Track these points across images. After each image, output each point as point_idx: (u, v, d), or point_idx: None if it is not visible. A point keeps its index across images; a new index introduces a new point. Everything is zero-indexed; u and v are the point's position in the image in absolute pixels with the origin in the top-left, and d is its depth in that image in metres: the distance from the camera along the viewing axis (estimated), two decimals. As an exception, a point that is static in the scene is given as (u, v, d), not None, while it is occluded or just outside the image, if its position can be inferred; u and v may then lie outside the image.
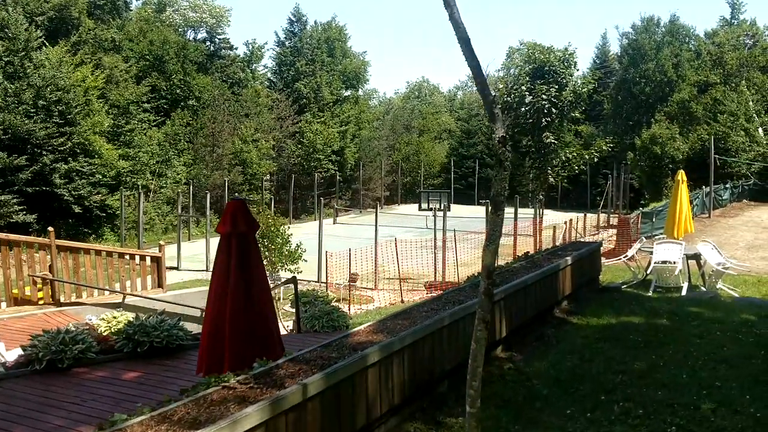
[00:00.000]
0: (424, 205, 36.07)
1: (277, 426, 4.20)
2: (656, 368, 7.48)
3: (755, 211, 34.58)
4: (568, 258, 10.35)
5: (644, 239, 19.69)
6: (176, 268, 29.97)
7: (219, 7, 62.27)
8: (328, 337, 7.80)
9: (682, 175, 17.78)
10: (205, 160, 50.59)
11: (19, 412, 6.42)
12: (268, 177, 55.99)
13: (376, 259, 26.00)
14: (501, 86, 37.41)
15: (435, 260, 26.32)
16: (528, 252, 11.66)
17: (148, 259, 15.29)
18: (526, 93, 32.14)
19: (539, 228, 30.35)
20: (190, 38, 61.31)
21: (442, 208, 30.96)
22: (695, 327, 9.35)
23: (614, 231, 30.66)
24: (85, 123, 38.87)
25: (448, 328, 6.57)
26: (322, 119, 61.49)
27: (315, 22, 67.79)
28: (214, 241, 25.07)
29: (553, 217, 39.89)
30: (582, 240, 30.48)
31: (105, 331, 9.55)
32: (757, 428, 5.89)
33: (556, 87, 31.96)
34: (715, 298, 13.25)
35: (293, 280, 13.58)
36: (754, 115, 45.90)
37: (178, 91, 52.73)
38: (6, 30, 36.45)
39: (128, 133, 44.52)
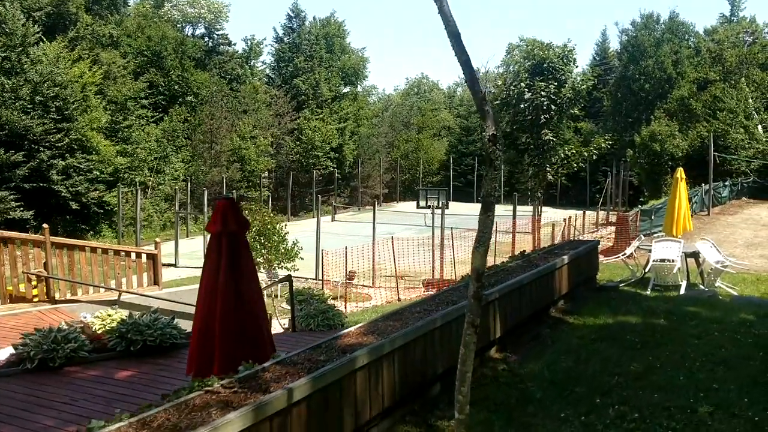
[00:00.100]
0: (423, 203, 36.02)
1: (260, 432, 4.10)
2: (653, 370, 7.36)
3: (754, 208, 34.48)
4: (565, 257, 10.24)
5: (643, 237, 19.61)
6: (174, 265, 29.92)
7: (217, 3, 62.10)
8: (322, 336, 7.70)
9: (681, 172, 17.69)
10: (203, 157, 50.51)
11: (8, 412, 6.34)
12: (266, 174, 55.94)
13: (374, 256, 25.92)
14: (500, 83, 37.26)
15: (433, 258, 26.25)
16: (524, 251, 11.53)
17: (143, 256, 15.17)
18: (525, 90, 32.00)
19: (537, 226, 30.26)
20: (189, 34, 61.20)
21: (440, 205, 30.88)
22: (693, 327, 9.24)
23: (613, 228, 30.58)
24: (83, 119, 38.79)
25: (440, 330, 6.46)
26: (321, 116, 61.40)
27: (314, 18, 67.81)
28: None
29: (552, 214, 39.86)
30: (581, 237, 30.42)
31: (99, 329, 9.49)
32: (755, 432, 5.81)
33: (555, 84, 31.83)
34: (713, 296, 13.15)
35: (288, 279, 13.52)
36: (754, 112, 45.82)
37: (176, 87, 52.59)
38: (3, 25, 36.31)
39: (126, 130, 44.42)
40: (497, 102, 33.56)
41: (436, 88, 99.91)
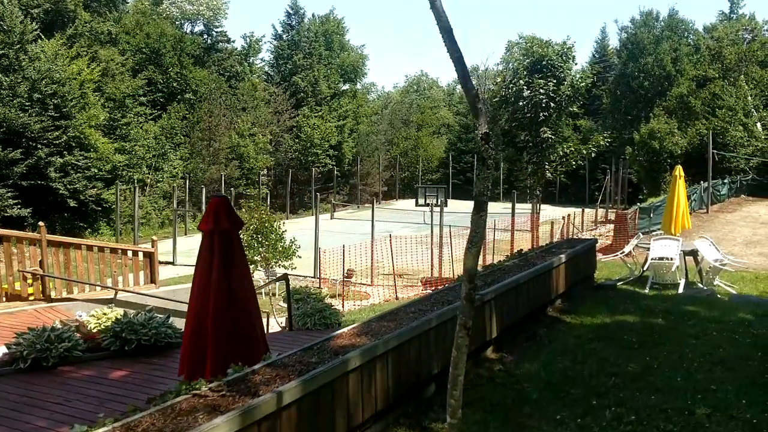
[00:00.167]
0: (422, 201, 36.04)
1: (248, 437, 4.02)
2: (650, 370, 7.28)
3: (753, 206, 34.43)
4: (562, 256, 10.16)
5: (641, 235, 19.56)
6: (172, 263, 29.83)
7: (216, 0, 61.93)
8: (319, 335, 7.64)
9: (679, 170, 17.65)
10: (202, 155, 50.43)
11: (0, 412, 6.28)
12: (265, 172, 55.87)
13: (372, 254, 25.85)
14: (499, 80, 37.19)
15: (432, 256, 26.19)
16: (521, 249, 11.46)
17: (140, 254, 15.12)
18: (524, 87, 31.94)
19: (536, 224, 30.20)
20: (187, 31, 61.04)
21: (439, 203, 30.85)
22: (691, 327, 9.16)
23: (612, 226, 30.53)
24: (81, 116, 38.68)
25: (435, 330, 6.38)
26: (320, 113, 61.30)
27: (313, 15, 67.60)
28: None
29: (551, 212, 39.82)
30: (580, 235, 30.36)
31: (95, 327, 9.47)
32: (753, 434, 5.73)
33: (554, 81, 31.78)
34: (712, 295, 13.09)
35: (285, 278, 13.47)
36: (753, 110, 45.76)
37: (174, 84, 52.50)
38: (1, 22, 36.20)
39: (124, 127, 44.29)
40: (496, 99, 33.52)
41: (435, 85, 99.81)
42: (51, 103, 36.69)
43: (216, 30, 62.69)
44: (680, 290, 14.10)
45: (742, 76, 47.37)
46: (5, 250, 12.34)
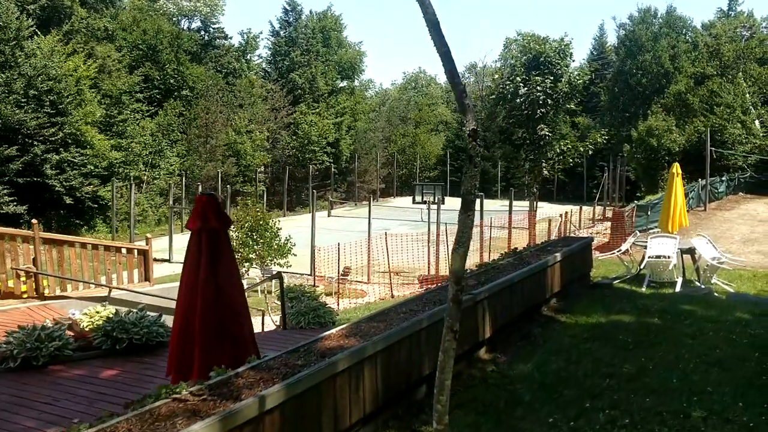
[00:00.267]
0: (419, 198, 35.89)
1: (228, 444, 3.90)
2: (645, 371, 7.17)
3: (751, 204, 34.34)
4: (558, 254, 10.05)
5: (638, 233, 19.45)
6: (168, 261, 29.73)
7: (213, -4, 61.87)
8: (313, 334, 7.53)
9: (677, 167, 17.57)
10: (199, 151, 50.33)
11: (-12, 412, 6.23)
12: (262, 169, 55.74)
13: (369, 252, 25.75)
14: (497, 76, 37.13)
15: (429, 254, 26.09)
16: (516, 248, 11.35)
17: (135, 252, 15.02)
18: (521, 84, 31.87)
19: (533, 221, 30.11)
20: (184, 27, 60.91)
21: (436, 201, 30.74)
22: (687, 326, 9.05)
23: (610, 224, 30.44)
24: (77, 113, 38.64)
25: (426, 330, 6.26)
26: (317, 110, 61.19)
27: (310, 12, 67.44)
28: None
29: (548, 210, 39.71)
30: (577, 233, 30.29)
31: (88, 326, 9.39)
32: (750, 438, 5.63)
33: (552, 78, 31.72)
34: (709, 294, 13.00)
35: (279, 276, 13.36)
36: (751, 107, 45.65)
37: (171, 81, 52.40)
38: (-3, 19, 36.12)
39: (121, 124, 44.25)
40: (493, 96, 33.47)
41: (433, 82, 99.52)
42: (47, 99, 36.66)
43: (213, 26, 62.62)
44: (677, 289, 14.01)
45: (741, 74, 47.27)
46: (-2, 247, 12.25)
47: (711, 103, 44.96)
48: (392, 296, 21.84)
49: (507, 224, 29.38)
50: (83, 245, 13.96)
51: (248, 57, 65.87)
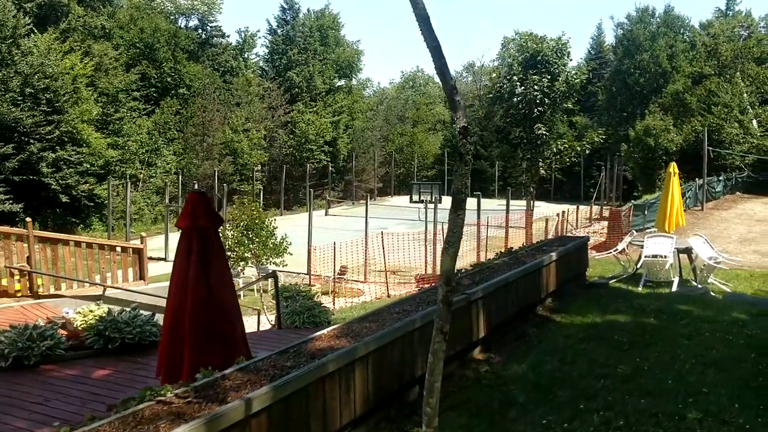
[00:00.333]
0: (416, 197, 35.84)
1: (213, 448, 3.82)
2: (641, 372, 7.10)
3: (749, 203, 34.32)
4: (553, 254, 9.98)
5: (634, 232, 19.39)
6: (164, 259, 29.65)
7: (210, -6, 61.71)
8: (307, 334, 7.46)
9: (673, 167, 17.51)
10: (195, 150, 50.24)
11: (-23, 413, 6.18)
12: (259, 167, 55.64)
13: (366, 251, 25.68)
14: (494, 75, 37.07)
15: (426, 253, 26.03)
16: (511, 247, 11.29)
17: (129, 250, 14.95)
18: (518, 83, 31.81)
19: (529, 221, 30.08)
20: (182, 26, 60.77)
21: (433, 200, 30.68)
22: (684, 326, 8.99)
23: (607, 223, 30.41)
24: (73, 111, 38.53)
25: (420, 331, 6.17)
26: (315, 109, 61.09)
27: (308, 10, 67.31)
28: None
29: (546, 209, 39.67)
30: (574, 232, 30.25)
31: (81, 325, 9.32)
32: (747, 440, 5.56)
33: (549, 77, 31.64)
34: (705, 294, 12.96)
35: (273, 275, 13.31)
36: (748, 106, 45.59)
37: (168, 79, 52.27)
38: (-7, 17, 36.00)
39: (117, 122, 44.13)
40: (490, 95, 33.42)
41: (431, 81, 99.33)
42: (43, 97, 36.56)
43: (210, 25, 62.45)
44: (674, 288, 13.96)
45: (738, 73, 47.22)
46: (-8, 245, 12.20)
47: (708, 102, 44.93)
48: (388, 295, 21.78)
49: (504, 224, 29.34)
50: (77, 244, 13.93)
51: (246, 55, 65.73)
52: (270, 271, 18.99)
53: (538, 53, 31.94)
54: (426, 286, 19.38)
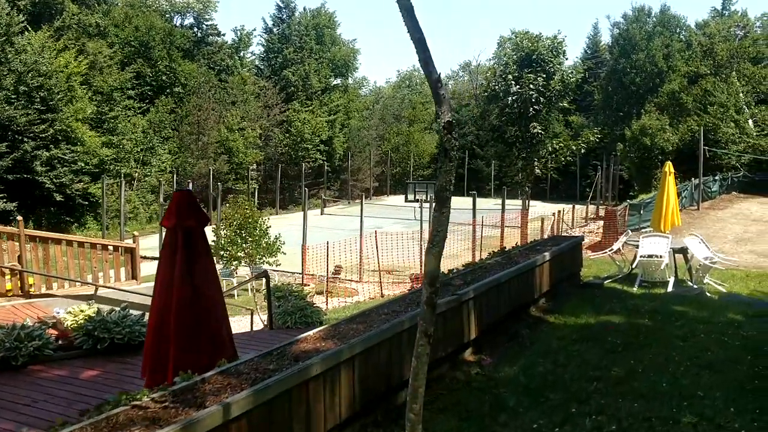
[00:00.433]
0: (411, 197, 35.78)
1: (188, 455, 3.68)
2: (634, 375, 6.97)
3: (744, 203, 34.30)
4: (547, 253, 9.87)
5: (630, 232, 19.32)
6: (158, 259, 29.46)
7: (206, -7, 61.46)
8: (299, 334, 7.34)
9: (669, 166, 17.41)
10: (190, 149, 50.07)
11: (-37, 415, 6.12)
12: (254, 166, 55.47)
13: (361, 251, 25.57)
14: (488, 74, 37.04)
15: (421, 252, 25.90)
16: (504, 247, 11.18)
17: (121, 249, 14.86)
18: (513, 82, 31.74)
19: (525, 220, 30.00)
20: (177, 24, 60.50)
21: (429, 199, 30.59)
22: (678, 328, 8.88)
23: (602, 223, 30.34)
24: (68, 110, 38.37)
25: (408, 332, 6.04)
26: (311, 108, 60.91)
27: (304, 9, 67.23)
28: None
29: (541, 208, 39.59)
30: (570, 232, 30.16)
31: (71, 324, 9.25)
32: (742, 445, 5.45)
33: (544, 76, 31.58)
34: (701, 294, 12.87)
35: (265, 275, 13.19)
36: (744, 106, 45.60)
37: (163, 77, 52.08)
38: (-14, 14, 35.83)
39: (112, 120, 43.93)
40: (486, 94, 33.36)
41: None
42: (37, 96, 36.41)
43: (206, 23, 62.16)
44: (669, 288, 13.87)
45: (734, 73, 47.22)
46: (-18, 245, 12.10)
47: (704, 102, 44.91)
48: (382, 295, 21.66)
49: (500, 223, 29.25)
50: (69, 243, 13.82)
51: (241, 54, 65.48)
52: (262, 271, 18.88)
53: (534, 52, 31.90)
54: (419, 286, 19.25)
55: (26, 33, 38.28)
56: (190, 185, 36.26)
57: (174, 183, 44.89)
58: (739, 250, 21.31)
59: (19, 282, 12.44)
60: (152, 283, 14.70)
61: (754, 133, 43.72)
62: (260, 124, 56.47)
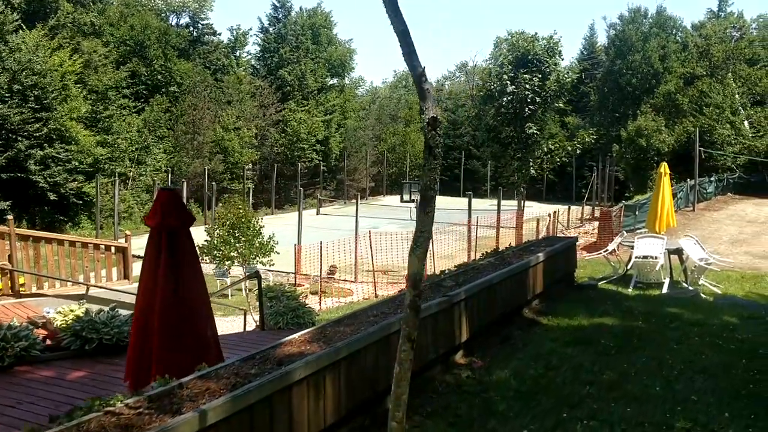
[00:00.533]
0: (407, 197, 35.66)
1: (160, 465, 3.55)
2: (627, 378, 6.85)
3: (740, 204, 34.28)
4: (540, 254, 9.75)
5: (625, 233, 19.23)
6: (142, 258, 29.33)
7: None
8: (289, 335, 7.22)
9: (664, 167, 17.37)
10: (186, 148, 49.89)
11: (-52, 415, 6.03)
12: (250, 166, 55.34)
13: (356, 251, 25.46)
14: (485, 73, 36.97)
15: (416, 252, 25.77)
16: (497, 248, 11.07)
17: (113, 249, 14.76)
18: (508, 82, 31.66)
19: (520, 221, 29.94)
20: (173, 23, 60.33)
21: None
22: (673, 330, 8.78)
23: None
24: (62, 108, 38.20)
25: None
26: (307, 108, 60.79)
27: (300, 9, 67.03)
28: (195, 231, 24.57)
29: (538, 209, 39.56)
30: (566, 233, 30.10)
31: (61, 324, 9.15)
32: (736, 451, 5.33)
33: (540, 76, 31.51)
34: (696, 296, 12.79)
35: (257, 275, 13.08)
36: (740, 107, 45.60)
37: (158, 77, 51.91)
38: (-20, 13, 35.66)
39: (106, 120, 43.73)
40: (481, 94, 33.28)
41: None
42: (31, 94, 36.25)
43: (202, 22, 61.99)
44: (664, 290, 13.81)
45: (730, 74, 47.22)
46: (-28, 244, 11.99)
47: (700, 103, 44.89)
48: (376, 296, 21.56)
49: (495, 223, 29.18)
50: (60, 242, 13.70)
51: (237, 53, 65.35)
52: (254, 271, 18.77)
53: (529, 52, 31.82)
54: (400, 290, 19.16)
55: (20, 31, 38.09)
56: (185, 185, 36.07)
57: (169, 182, 44.69)
58: (735, 251, 21.25)
59: (9, 281, 12.30)
60: (142, 284, 14.63)
61: (750, 135, 43.70)
62: (256, 123, 56.35)
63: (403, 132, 72.33)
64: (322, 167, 59.84)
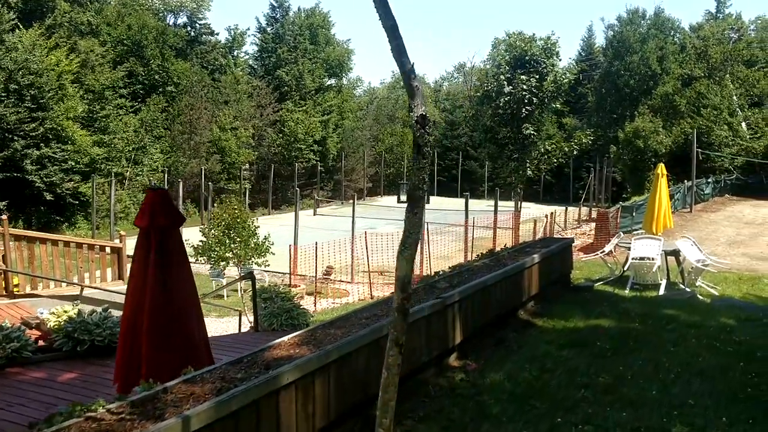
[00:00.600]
0: (404, 197, 35.52)
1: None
2: (623, 381, 6.75)
3: (737, 206, 34.24)
4: (536, 255, 9.66)
5: (621, 234, 19.15)
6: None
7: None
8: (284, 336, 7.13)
9: (661, 168, 17.27)
10: (183, 148, 49.75)
11: (-64, 418, 5.97)
12: (247, 166, 55.22)
13: (353, 251, 25.36)
14: (482, 74, 36.92)
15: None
16: (492, 249, 10.98)
17: (107, 249, 14.66)
18: (505, 82, 31.59)
19: (516, 222, 29.86)
20: (170, 23, 60.18)
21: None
22: (670, 332, 8.68)
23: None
24: (58, 108, 38.05)
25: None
26: (304, 108, 60.69)
27: (298, 9, 66.94)
28: (191, 231, 24.59)
29: (535, 210, 39.48)
30: (562, 234, 30.04)
31: (54, 325, 9.09)
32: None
33: (537, 77, 31.44)
34: (693, 298, 12.71)
35: (251, 276, 13.00)
36: (738, 109, 45.58)
37: (155, 76, 51.73)
38: (-24, 12, 35.52)
39: (103, 119, 43.56)
40: (479, 94, 33.22)
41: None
42: (28, 94, 36.11)
43: (199, 22, 61.87)
44: (661, 291, 13.73)
45: (728, 76, 47.22)
46: (-34, 245, 11.93)
47: (698, 104, 44.88)
48: (372, 297, 21.46)
49: (492, 224, 29.10)
50: (54, 242, 13.63)
51: (235, 53, 65.21)
52: (248, 272, 18.67)
53: (527, 53, 31.75)
54: (413, 286, 19.06)
55: (17, 31, 37.93)
56: (181, 185, 35.92)
57: (166, 182, 44.56)
58: (732, 252, 21.18)
59: (3, 282, 12.27)
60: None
61: (747, 136, 43.70)
62: (253, 123, 56.24)
63: (401, 132, 72.23)
64: (319, 167, 59.73)
